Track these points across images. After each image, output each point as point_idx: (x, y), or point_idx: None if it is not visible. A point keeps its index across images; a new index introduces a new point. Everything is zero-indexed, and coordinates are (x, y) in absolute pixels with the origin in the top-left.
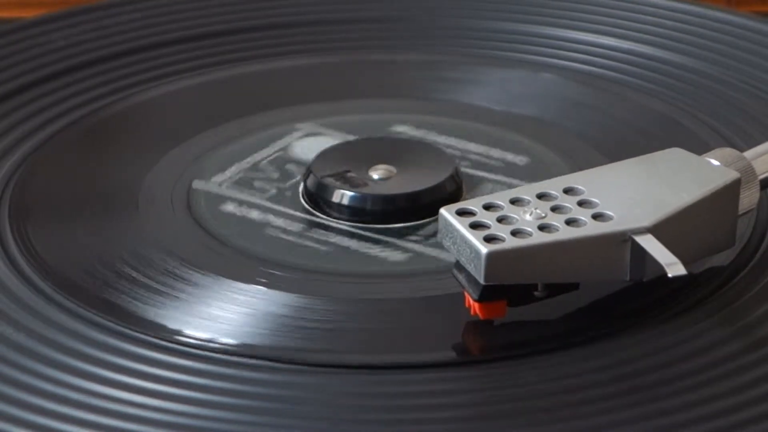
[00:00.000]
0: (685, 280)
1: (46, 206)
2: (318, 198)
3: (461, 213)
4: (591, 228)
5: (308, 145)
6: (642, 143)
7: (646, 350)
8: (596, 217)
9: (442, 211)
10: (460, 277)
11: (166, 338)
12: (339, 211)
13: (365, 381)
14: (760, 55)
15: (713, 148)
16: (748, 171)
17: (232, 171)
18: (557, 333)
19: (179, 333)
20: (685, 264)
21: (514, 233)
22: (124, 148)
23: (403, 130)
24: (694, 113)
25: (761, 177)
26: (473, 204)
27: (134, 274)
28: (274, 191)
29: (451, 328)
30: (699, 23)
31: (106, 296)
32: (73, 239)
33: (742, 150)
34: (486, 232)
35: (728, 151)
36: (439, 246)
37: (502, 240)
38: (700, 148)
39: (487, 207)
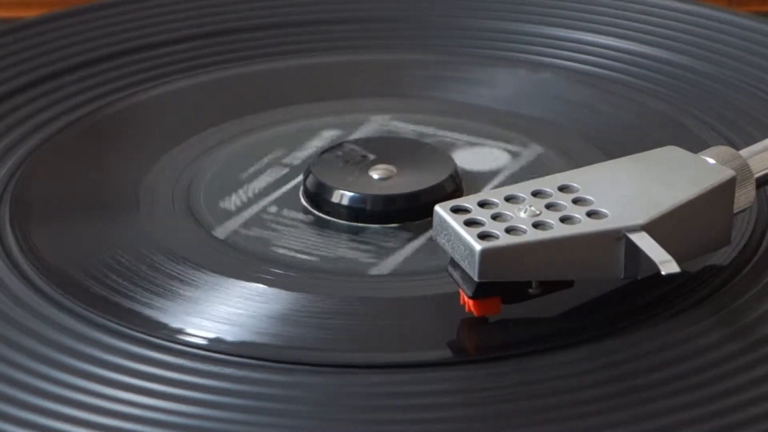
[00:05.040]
0: (684, 279)
1: (47, 206)
2: (318, 198)
3: (456, 210)
4: (585, 226)
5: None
6: (642, 143)
7: (646, 350)
8: (591, 214)
9: (437, 208)
10: (455, 274)
11: (166, 338)
12: (339, 210)
13: (365, 381)
14: (760, 55)
15: None
16: (744, 169)
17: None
18: (554, 332)
19: (179, 332)
20: (681, 262)
21: (509, 230)
22: (124, 147)
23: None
24: (694, 113)
25: (757, 175)
26: (468, 201)
27: (135, 273)
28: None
29: (448, 327)
30: (699, 23)
31: (106, 296)
32: (74, 239)
33: (739, 149)
34: (480, 230)
35: (724, 150)
36: (438, 245)
37: (497, 237)
38: (700, 147)
39: (482, 204)
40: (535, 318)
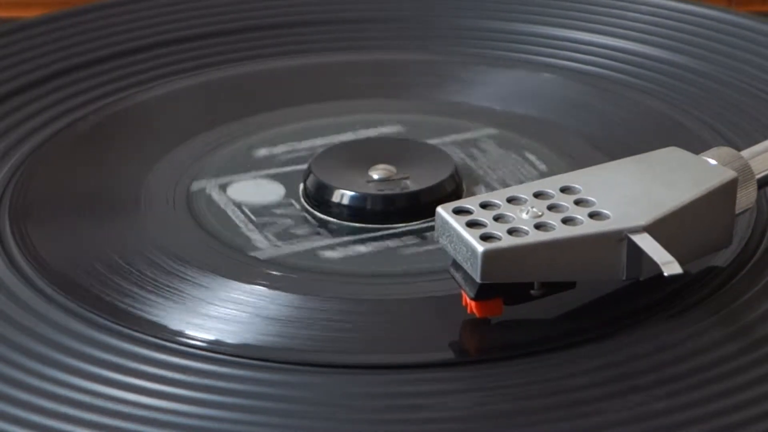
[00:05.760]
0: (684, 280)
1: (47, 206)
2: (318, 198)
3: (458, 211)
4: (587, 227)
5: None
6: (642, 143)
7: (646, 350)
8: (593, 215)
9: (439, 209)
10: (457, 275)
11: (167, 338)
12: (339, 211)
13: (365, 381)
14: (760, 55)
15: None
16: (746, 170)
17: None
18: (556, 333)
19: (180, 333)
20: (682, 263)
21: (511, 232)
22: (124, 148)
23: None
24: (694, 113)
25: (759, 176)
26: (470, 202)
27: (135, 274)
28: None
29: (450, 328)
30: (699, 23)
31: (106, 296)
32: (74, 239)
33: (740, 150)
34: (482, 231)
35: (725, 150)
36: (438, 246)
37: (499, 239)
38: (700, 148)
39: (484, 205)
40: (537, 319)
